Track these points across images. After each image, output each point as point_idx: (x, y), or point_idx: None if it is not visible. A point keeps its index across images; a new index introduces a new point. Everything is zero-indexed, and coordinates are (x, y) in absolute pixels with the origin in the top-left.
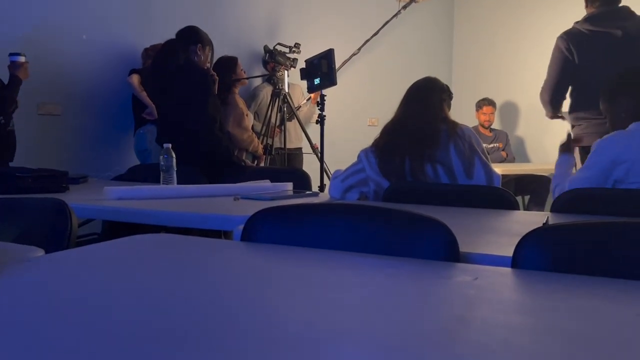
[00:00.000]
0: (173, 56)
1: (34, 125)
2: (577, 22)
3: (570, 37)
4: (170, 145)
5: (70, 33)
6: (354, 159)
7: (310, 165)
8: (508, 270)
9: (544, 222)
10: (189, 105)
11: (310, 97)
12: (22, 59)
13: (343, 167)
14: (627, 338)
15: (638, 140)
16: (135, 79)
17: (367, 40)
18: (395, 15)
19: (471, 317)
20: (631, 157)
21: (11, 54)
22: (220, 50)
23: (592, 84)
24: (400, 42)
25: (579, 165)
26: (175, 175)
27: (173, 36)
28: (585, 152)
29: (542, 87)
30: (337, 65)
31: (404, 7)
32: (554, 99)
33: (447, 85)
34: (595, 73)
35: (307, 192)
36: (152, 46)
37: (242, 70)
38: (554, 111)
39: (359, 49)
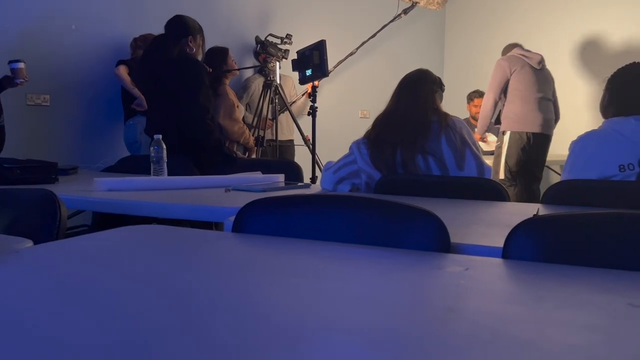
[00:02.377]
0: (165, 50)
1: (23, 116)
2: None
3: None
4: (160, 137)
5: (59, 23)
6: (346, 151)
7: (302, 157)
8: (499, 260)
9: (535, 213)
10: (182, 96)
11: (306, 91)
12: (21, 65)
13: (335, 158)
14: (618, 327)
15: (609, 140)
16: (122, 70)
17: (364, 42)
18: (394, 19)
19: (462, 307)
20: (604, 157)
21: (11, 62)
22: (211, 41)
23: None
24: (393, 35)
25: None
26: (165, 166)
27: (163, 26)
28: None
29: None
30: (334, 64)
31: (405, 12)
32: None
33: (439, 78)
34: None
35: (299, 184)
36: (141, 36)
37: (233, 61)
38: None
39: (357, 49)
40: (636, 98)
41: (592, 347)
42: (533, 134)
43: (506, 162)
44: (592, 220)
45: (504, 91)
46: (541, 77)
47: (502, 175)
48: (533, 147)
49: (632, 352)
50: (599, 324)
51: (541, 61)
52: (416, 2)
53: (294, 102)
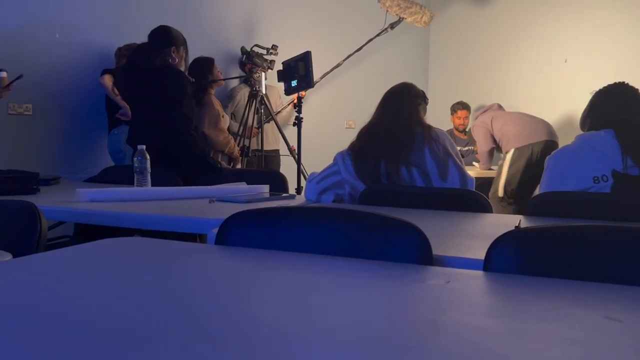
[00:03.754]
0: (147, 59)
1: (4, 126)
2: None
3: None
4: (144, 147)
5: (43, 32)
6: (331, 161)
7: (287, 167)
8: (480, 273)
9: (516, 225)
10: (164, 106)
11: (292, 101)
12: (3, 74)
13: (320, 169)
14: (595, 340)
15: (582, 153)
16: (107, 79)
17: (350, 55)
18: (381, 33)
19: (443, 320)
20: (578, 171)
21: None
22: (197, 51)
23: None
24: (379, 47)
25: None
26: (149, 177)
27: (147, 35)
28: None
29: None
30: (319, 74)
31: (391, 27)
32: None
33: (422, 91)
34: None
35: (284, 195)
36: (125, 45)
37: (218, 71)
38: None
39: (343, 61)
40: (610, 113)
41: None
42: (539, 144)
43: (508, 180)
44: (572, 232)
45: (493, 139)
46: (517, 112)
47: (501, 194)
48: (540, 159)
49: None
50: (576, 337)
51: (500, 106)
52: (403, 18)
53: (279, 111)
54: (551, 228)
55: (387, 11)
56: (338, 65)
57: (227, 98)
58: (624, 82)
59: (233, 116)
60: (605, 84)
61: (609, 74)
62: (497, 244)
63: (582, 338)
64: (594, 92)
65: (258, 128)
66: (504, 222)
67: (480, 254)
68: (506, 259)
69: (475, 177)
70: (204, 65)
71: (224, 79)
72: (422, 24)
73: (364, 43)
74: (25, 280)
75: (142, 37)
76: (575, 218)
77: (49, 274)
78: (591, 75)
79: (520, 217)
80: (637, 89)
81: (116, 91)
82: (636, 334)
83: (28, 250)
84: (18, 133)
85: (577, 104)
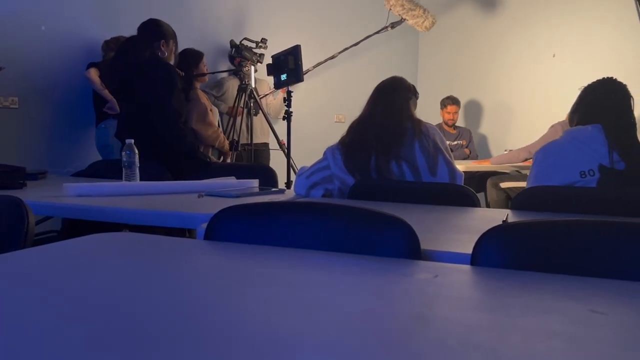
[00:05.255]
0: (136, 53)
1: None
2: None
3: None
4: (132, 141)
5: (29, 24)
6: (321, 156)
7: (277, 161)
8: (467, 267)
9: (504, 219)
10: (154, 100)
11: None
12: None
13: (310, 163)
14: (580, 334)
15: (569, 148)
16: (93, 73)
17: (346, 49)
18: (380, 31)
19: (430, 314)
20: (565, 165)
21: None
22: (186, 45)
23: None
24: (368, 42)
25: None
26: (137, 171)
27: (135, 28)
28: None
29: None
30: (311, 65)
31: (392, 26)
32: None
33: (413, 85)
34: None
35: (273, 189)
36: (113, 38)
37: (205, 67)
38: None
39: (339, 53)
40: (598, 108)
41: (555, 354)
42: None
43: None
44: (558, 227)
45: None
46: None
47: (505, 186)
48: None
49: (592, 358)
50: (561, 330)
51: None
52: (405, 19)
53: (265, 94)
54: (538, 223)
55: (390, 9)
56: (333, 57)
57: (215, 84)
58: (612, 78)
59: (216, 99)
60: (594, 80)
61: (598, 70)
62: (484, 239)
63: (567, 331)
64: (583, 87)
65: (244, 107)
66: (492, 216)
67: (468, 249)
68: (493, 254)
69: (464, 172)
70: (192, 58)
71: (210, 73)
72: (423, 28)
73: (362, 39)
74: (13, 276)
75: (130, 30)
76: (562, 212)
77: (36, 270)
78: (580, 71)
79: (508, 211)
80: (625, 85)
81: (103, 85)
82: (620, 327)
83: (15, 246)
84: (4, 127)
85: (567, 99)
